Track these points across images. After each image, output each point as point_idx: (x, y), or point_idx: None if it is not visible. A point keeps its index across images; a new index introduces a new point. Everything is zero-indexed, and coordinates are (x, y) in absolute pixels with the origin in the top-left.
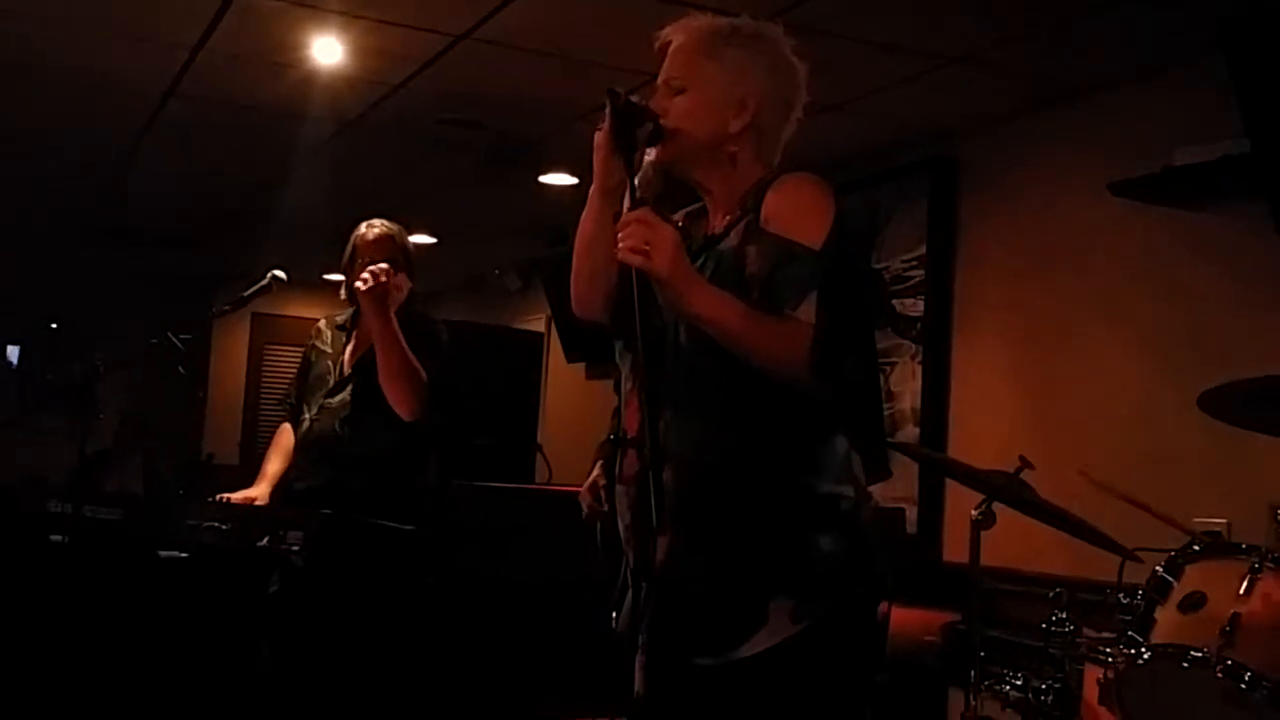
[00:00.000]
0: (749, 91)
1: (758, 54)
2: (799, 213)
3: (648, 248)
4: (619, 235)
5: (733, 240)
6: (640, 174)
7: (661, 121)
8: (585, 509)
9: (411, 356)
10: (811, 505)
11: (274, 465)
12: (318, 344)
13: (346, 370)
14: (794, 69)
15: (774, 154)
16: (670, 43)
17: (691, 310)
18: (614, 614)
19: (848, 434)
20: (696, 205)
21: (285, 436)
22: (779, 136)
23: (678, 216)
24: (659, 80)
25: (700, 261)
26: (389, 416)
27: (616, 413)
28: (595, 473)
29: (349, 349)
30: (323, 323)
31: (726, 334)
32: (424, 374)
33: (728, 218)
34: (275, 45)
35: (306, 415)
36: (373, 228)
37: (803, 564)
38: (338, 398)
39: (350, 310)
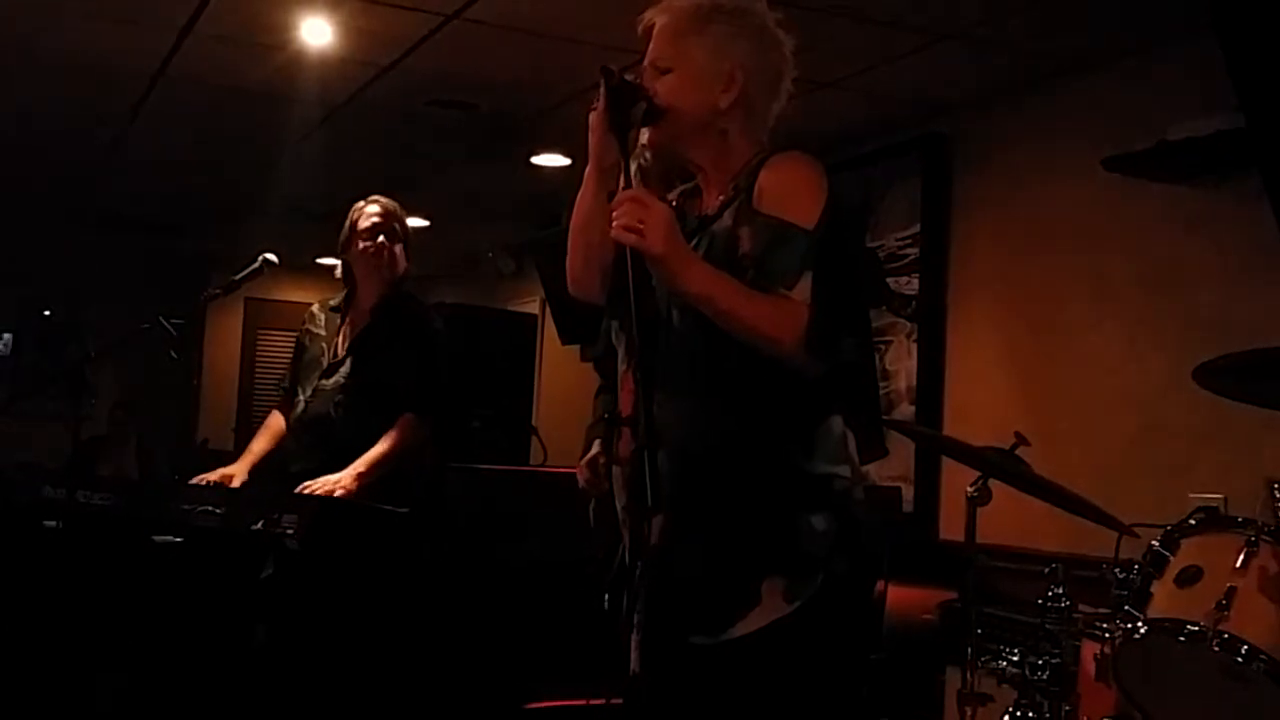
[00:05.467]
0: (735, 65)
1: (742, 28)
2: (792, 192)
3: (641, 226)
4: (613, 214)
5: (726, 221)
6: (637, 160)
7: (654, 100)
8: (582, 483)
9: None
10: (805, 485)
11: (259, 444)
12: (311, 327)
13: (340, 352)
14: (780, 42)
15: (764, 130)
16: (653, 25)
17: (686, 288)
18: (606, 595)
19: (843, 414)
20: (690, 184)
21: (275, 419)
22: (769, 111)
23: (671, 196)
24: (644, 64)
25: (694, 242)
26: (383, 398)
27: (599, 394)
28: (595, 449)
29: (342, 331)
30: (316, 306)
31: (721, 312)
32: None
33: (721, 198)
34: (264, 26)
35: (301, 398)
36: (371, 202)
37: (795, 544)
38: (332, 380)
39: (343, 292)
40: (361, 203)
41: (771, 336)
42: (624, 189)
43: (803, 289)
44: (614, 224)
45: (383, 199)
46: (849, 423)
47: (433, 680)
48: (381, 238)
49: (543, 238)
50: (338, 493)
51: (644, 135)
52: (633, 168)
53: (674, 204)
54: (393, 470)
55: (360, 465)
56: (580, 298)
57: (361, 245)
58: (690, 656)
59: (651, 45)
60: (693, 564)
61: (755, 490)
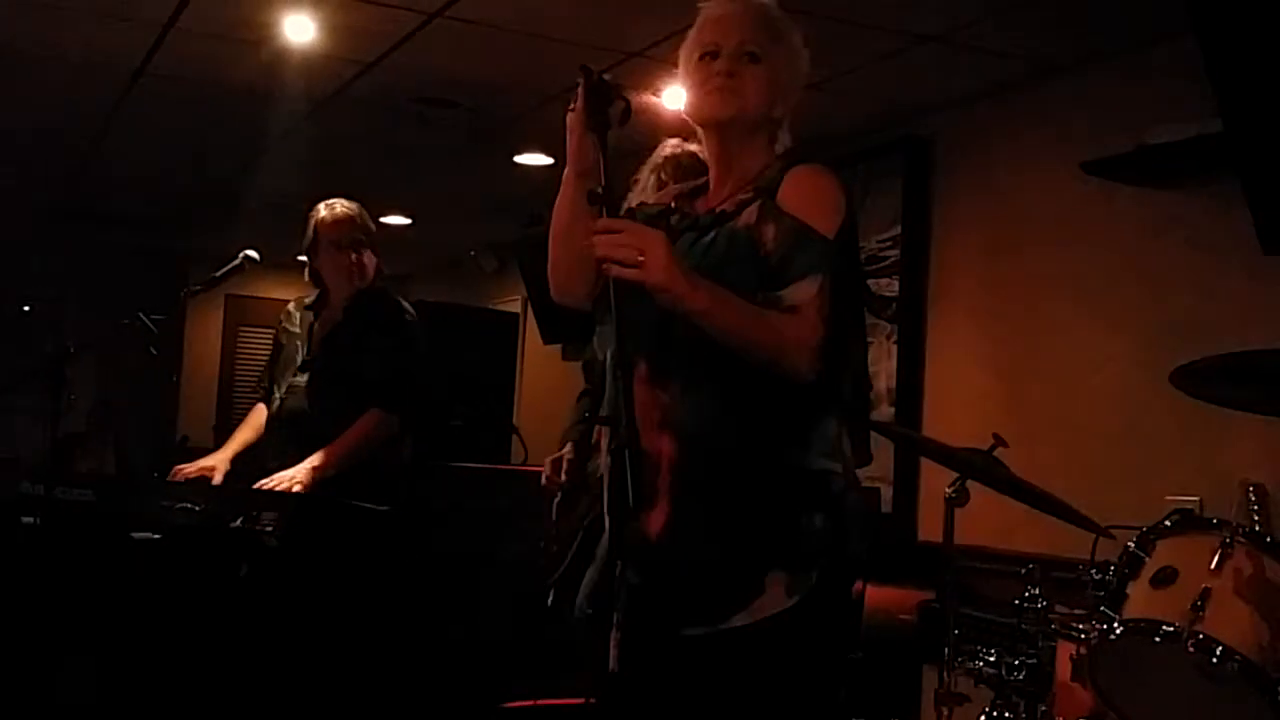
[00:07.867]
0: (798, 79)
1: (802, 45)
2: (815, 202)
3: (641, 259)
4: (598, 244)
5: (748, 218)
6: (656, 174)
7: (729, 83)
8: (543, 479)
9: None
10: (806, 482)
11: (242, 435)
12: (286, 326)
13: (314, 349)
14: None
15: (780, 137)
16: (721, 8)
17: (691, 308)
18: (551, 591)
19: (838, 416)
20: (690, 184)
21: (257, 413)
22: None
23: (665, 195)
24: (726, 42)
25: (711, 237)
26: (355, 393)
27: (581, 397)
28: (566, 449)
29: (316, 329)
30: (291, 305)
31: (723, 329)
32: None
33: (739, 196)
34: (247, 22)
35: (276, 395)
36: (333, 209)
37: (796, 539)
38: (305, 377)
39: (317, 291)
40: (323, 209)
41: (779, 353)
42: (606, 219)
43: (803, 291)
44: (608, 256)
45: (342, 203)
46: (842, 425)
47: (411, 679)
48: (350, 252)
49: (526, 237)
50: (295, 489)
51: (667, 147)
52: (652, 180)
53: (671, 204)
54: (357, 463)
55: (316, 459)
56: (565, 304)
57: (328, 258)
58: (680, 649)
59: (739, 27)
60: (697, 552)
61: (761, 484)
